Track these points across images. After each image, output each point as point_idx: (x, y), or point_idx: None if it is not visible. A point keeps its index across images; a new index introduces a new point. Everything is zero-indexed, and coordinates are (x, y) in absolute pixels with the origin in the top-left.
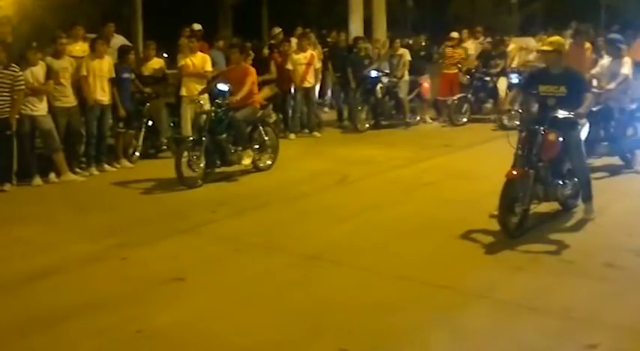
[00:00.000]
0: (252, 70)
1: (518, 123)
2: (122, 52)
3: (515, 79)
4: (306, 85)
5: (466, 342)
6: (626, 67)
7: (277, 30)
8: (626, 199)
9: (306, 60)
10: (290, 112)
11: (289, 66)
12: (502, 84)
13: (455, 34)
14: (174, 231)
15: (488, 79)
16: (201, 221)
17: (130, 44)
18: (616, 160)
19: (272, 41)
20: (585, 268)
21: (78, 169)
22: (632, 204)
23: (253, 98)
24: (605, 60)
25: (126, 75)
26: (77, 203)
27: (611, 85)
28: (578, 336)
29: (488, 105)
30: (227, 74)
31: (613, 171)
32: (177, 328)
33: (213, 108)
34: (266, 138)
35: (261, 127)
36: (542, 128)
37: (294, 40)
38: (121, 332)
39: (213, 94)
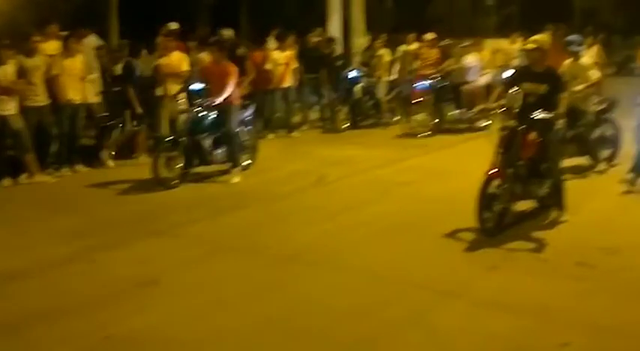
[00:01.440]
0: (234, 69)
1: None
2: (134, 50)
3: (426, 85)
4: (285, 85)
5: (441, 341)
6: (595, 71)
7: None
8: (597, 198)
9: (285, 60)
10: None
11: (269, 66)
12: None
13: (429, 36)
14: (148, 233)
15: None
16: (177, 223)
17: (103, 43)
18: (583, 161)
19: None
20: (558, 266)
21: (50, 170)
22: (603, 203)
23: (235, 98)
24: (568, 60)
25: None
26: (48, 205)
27: (579, 87)
28: (551, 334)
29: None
30: (205, 72)
31: (582, 171)
32: (148, 334)
33: (192, 108)
34: (245, 138)
35: (240, 127)
36: (522, 128)
37: (271, 41)
38: (89, 338)
39: (189, 94)
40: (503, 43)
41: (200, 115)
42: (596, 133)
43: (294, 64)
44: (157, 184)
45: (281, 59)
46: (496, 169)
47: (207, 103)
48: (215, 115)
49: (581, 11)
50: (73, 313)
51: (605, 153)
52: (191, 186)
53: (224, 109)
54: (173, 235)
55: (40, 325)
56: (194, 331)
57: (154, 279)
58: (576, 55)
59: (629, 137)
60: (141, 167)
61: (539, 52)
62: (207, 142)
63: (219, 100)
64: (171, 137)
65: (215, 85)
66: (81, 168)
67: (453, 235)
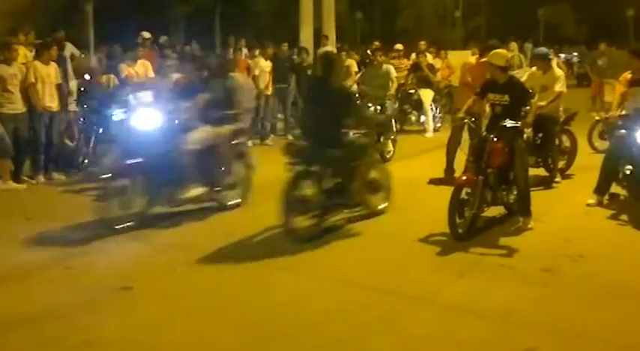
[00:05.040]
0: None
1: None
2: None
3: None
4: (268, 92)
5: (411, 345)
6: (560, 84)
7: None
8: (561, 206)
9: (268, 68)
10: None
11: (256, 72)
12: (428, 97)
13: (399, 46)
14: (123, 239)
15: (412, 91)
16: (153, 228)
17: (78, 51)
18: (542, 171)
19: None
20: (525, 273)
21: (25, 177)
22: (567, 211)
23: None
24: (533, 70)
25: None
26: (22, 211)
27: (543, 102)
28: (518, 339)
29: (413, 117)
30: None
31: (542, 181)
32: (124, 338)
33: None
34: None
35: None
36: (491, 136)
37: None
38: (66, 343)
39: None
40: (470, 56)
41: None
42: (556, 143)
43: (272, 74)
44: None
45: (266, 67)
46: (467, 177)
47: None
48: None
49: (546, 24)
50: (49, 318)
51: (560, 163)
52: None
53: None
54: (147, 242)
55: (16, 331)
56: (170, 336)
57: (128, 285)
58: (549, 66)
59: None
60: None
61: (489, 67)
62: None
63: None
64: None
65: None
66: (57, 175)
67: (423, 241)
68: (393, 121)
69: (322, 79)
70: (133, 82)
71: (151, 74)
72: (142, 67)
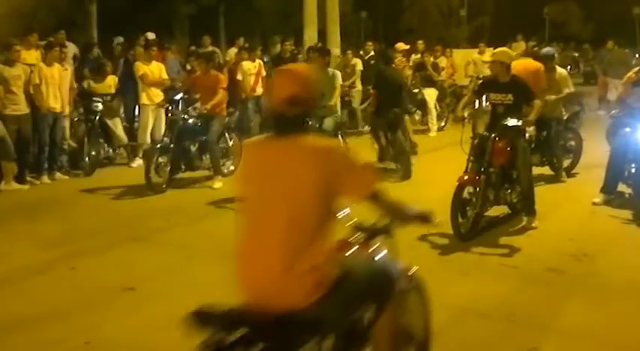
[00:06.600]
0: (223, 78)
1: None
2: None
3: None
4: (257, 94)
5: None
6: (569, 85)
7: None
8: (565, 206)
9: (255, 70)
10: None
11: (239, 76)
12: (432, 96)
13: (401, 46)
14: (126, 239)
15: (416, 90)
16: (155, 229)
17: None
18: (547, 170)
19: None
20: (528, 272)
21: (29, 178)
22: (572, 210)
23: (222, 107)
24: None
25: None
26: (26, 212)
27: (552, 97)
28: (521, 339)
29: (416, 117)
30: (195, 82)
31: (547, 180)
32: (126, 339)
33: (179, 115)
34: (230, 143)
35: (226, 134)
36: (492, 135)
37: (232, 51)
38: (69, 344)
39: (168, 101)
40: (474, 54)
41: (187, 122)
42: (560, 142)
43: (263, 73)
44: (148, 189)
45: (252, 69)
46: (468, 176)
47: (196, 109)
48: (200, 123)
49: (551, 22)
50: (53, 319)
51: (566, 162)
52: (175, 192)
53: (209, 117)
54: (150, 242)
55: (20, 332)
56: (172, 337)
57: (131, 285)
58: (553, 66)
59: (588, 147)
60: None
61: (500, 64)
62: (194, 149)
63: (209, 106)
64: (160, 143)
65: (204, 93)
66: (61, 176)
67: (424, 241)
68: (340, 136)
69: (384, 69)
70: (147, 81)
71: (165, 75)
72: (157, 68)
